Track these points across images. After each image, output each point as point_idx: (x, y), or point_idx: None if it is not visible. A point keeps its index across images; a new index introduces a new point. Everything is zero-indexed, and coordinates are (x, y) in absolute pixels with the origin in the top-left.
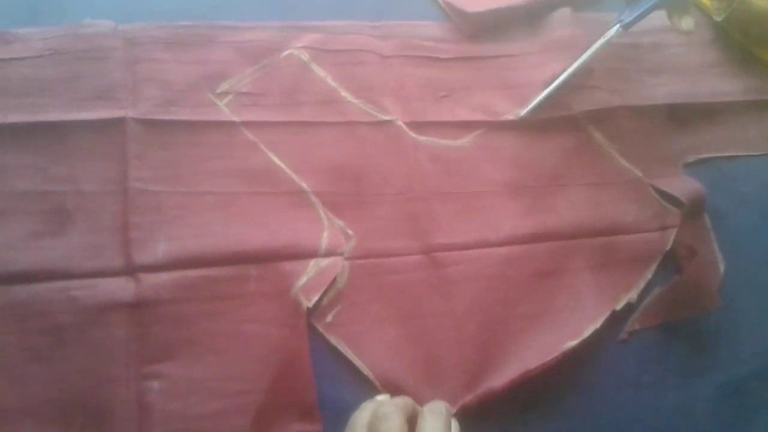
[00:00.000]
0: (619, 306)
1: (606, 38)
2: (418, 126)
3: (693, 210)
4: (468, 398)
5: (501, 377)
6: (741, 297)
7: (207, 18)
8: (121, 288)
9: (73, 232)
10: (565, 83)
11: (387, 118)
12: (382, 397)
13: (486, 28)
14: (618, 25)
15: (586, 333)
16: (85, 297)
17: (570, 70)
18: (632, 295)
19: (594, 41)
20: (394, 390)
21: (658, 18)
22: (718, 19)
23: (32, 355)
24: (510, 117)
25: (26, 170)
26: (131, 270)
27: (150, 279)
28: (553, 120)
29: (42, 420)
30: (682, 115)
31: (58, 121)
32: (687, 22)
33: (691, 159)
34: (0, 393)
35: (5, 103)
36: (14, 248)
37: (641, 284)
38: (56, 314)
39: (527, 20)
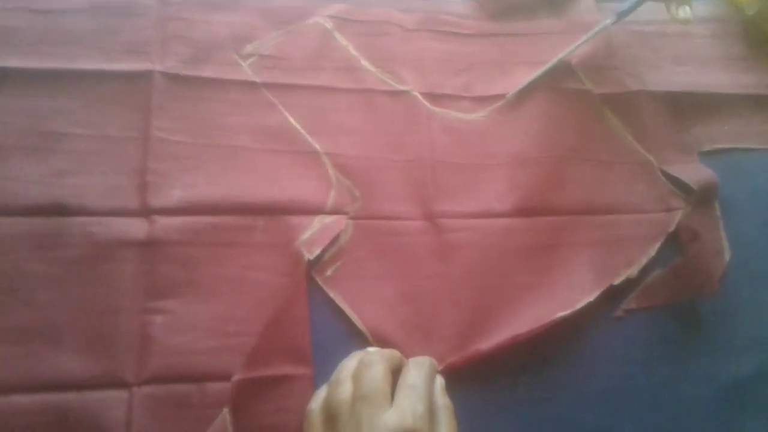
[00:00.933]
0: (617, 281)
1: (601, 25)
2: (434, 98)
3: (703, 197)
4: (455, 358)
5: (490, 341)
6: (743, 287)
7: None
8: (134, 227)
9: (95, 172)
10: (554, 68)
11: (404, 88)
12: (373, 349)
13: (510, 8)
14: (614, 14)
15: (579, 305)
16: (101, 233)
17: (561, 55)
18: (632, 271)
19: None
20: (385, 345)
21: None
22: (750, 12)
23: (48, 282)
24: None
25: (57, 113)
26: (146, 212)
27: (163, 221)
28: (569, 97)
29: (51, 341)
30: (702, 105)
31: (90, 70)
32: (684, 12)
33: (707, 148)
34: (16, 313)
35: (44, 51)
36: (39, 183)
37: (643, 261)
38: (73, 247)
39: (551, 4)
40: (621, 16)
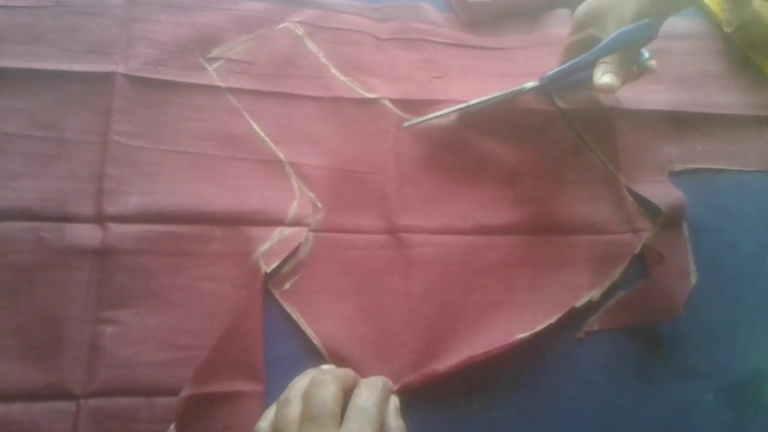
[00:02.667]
0: (579, 303)
1: (519, 87)
2: (406, 104)
3: (671, 219)
4: (411, 378)
5: (448, 361)
6: (708, 309)
7: None
8: (88, 234)
9: (50, 176)
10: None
11: (373, 96)
12: (326, 367)
13: (484, 18)
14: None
15: (539, 327)
16: (54, 239)
17: (473, 102)
18: (594, 293)
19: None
20: (341, 362)
21: (666, 24)
22: (728, 29)
23: None
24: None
25: (15, 114)
26: (101, 219)
27: (117, 229)
28: (538, 114)
29: (1, 348)
30: (676, 123)
31: (50, 70)
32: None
33: (678, 168)
34: None
35: (3, 49)
36: None
37: (606, 284)
38: (24, 253)
39: (525, 15)
40: (543, 80)
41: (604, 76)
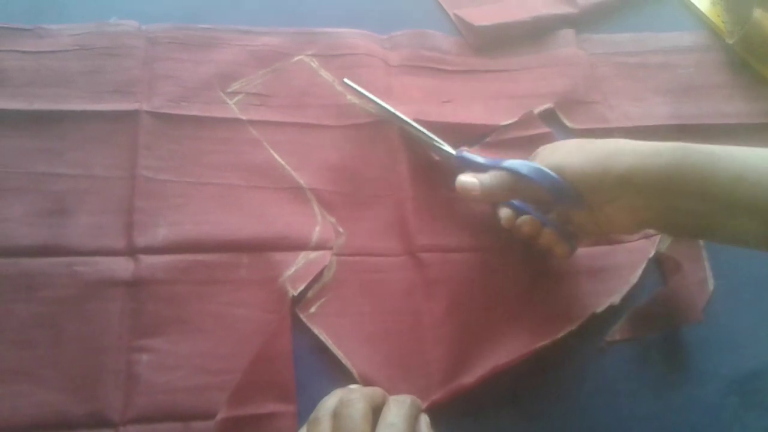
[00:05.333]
0: (599, 309)
1: (437, 142)
2: (420, 125)
3: None
4: (439, 394)
5: (473, 375)
6: (727, 315)
7: (223, 22)
8: (120, 267)
9: (81, 212)
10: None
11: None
12: (354, 386)
13: (492, 41)
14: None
15: (560, 334)
16: (87, 273)
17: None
18: (615, 298)
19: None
20: (370, 381)
21: (669, 39)
22: (730, 41)
23: (35, 322)
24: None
25: (46, 153)
26: (132, 251)
27: (148, 260)
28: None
29: (39, 382)
30: (684, 135)
31: (77, 111)
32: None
33: None
34: (5, 355)
35: (32, 92)
36: (26, 224)
37: (625, 289)
38: (59, 287)
39: (532, 37)
40: (459, 154)
41: (468, 176)
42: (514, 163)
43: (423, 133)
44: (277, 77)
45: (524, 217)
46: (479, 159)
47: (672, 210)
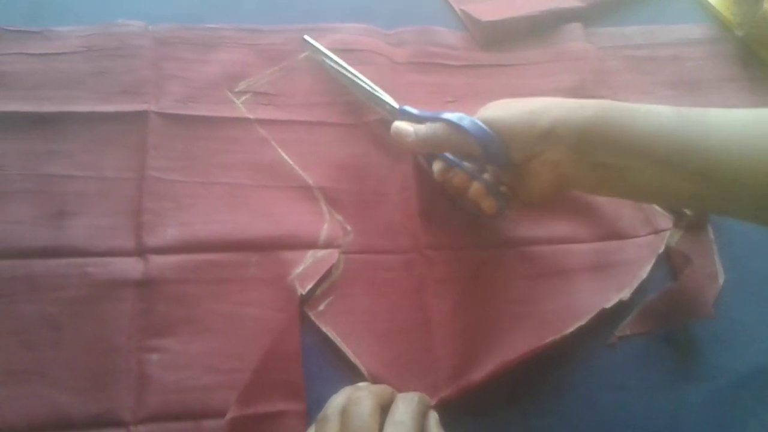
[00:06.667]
0: (609, 304)
1: (381, 96)
2: None
3: (696, 221)
4: (448, 391)
5: (482, 371)
6: (738, 309)
7: (228, 21)
8: (131, 267)
9: (91, 214)
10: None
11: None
12: (363, 384)
13: (499, 36)
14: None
15: (570, 329)
16: (98, 273)
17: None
18: (625, 293)
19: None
20: (378, 380)
21: (678, 32)
22: (740, 33)
23: (46, 323)
24: None
25: (56, 156)
26: (141, 251)
27: (158, 260)
28: None
29: (50, 382)
30: None
31: (86, 112)
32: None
33: None
34: (16, 356)
35: (41, 95)
36: (36, 226)
37: (635, 284)
38: (70, 288)
39: (539, 31)
40: (402, 111)
41: (404, 123)
42: (451, 115)
43: (369, 87)
44: (284, 76)
45: (455, 170)
46: (419, 112)
47: (593, 166)
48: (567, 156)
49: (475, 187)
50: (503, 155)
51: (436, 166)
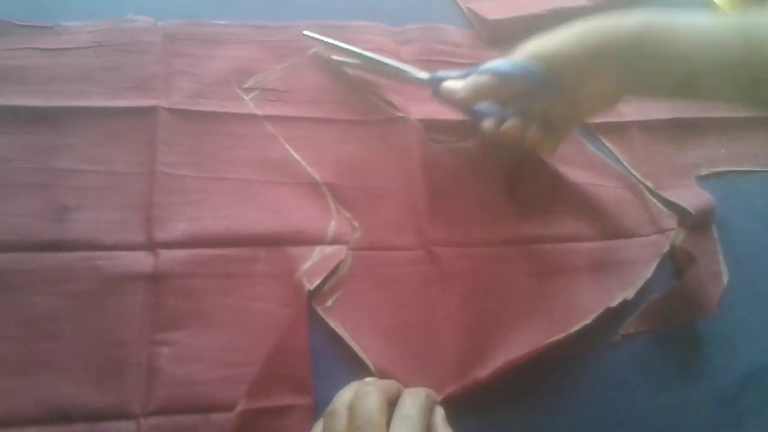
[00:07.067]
0: (614, 303)
1: (412, 71)
2: (430, 124)
3: (701, 220)
4: (454, 387)
5: (487, 368)
6: (742, 307)
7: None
8: (140, 261)
9: (101, 208)
10: None
11: (401, 115)
12: (370, 379)
13: (505, 35)
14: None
15: (575, 328)
16: (108, 267)
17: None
18: (629, 293)
19: None
20: (385, 375)
21: None
22: None
23: (57, 315)
24: None
25: (66, 150)
26: (151, 245)
27: (168, 254)
28: None
29: (61, 374)
30: (699, 129)
31: (96, 107)
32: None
33: (705, 172)
34: (26, 348)
35: (51, 89)
36: (48, 219)
37: (639, 283)
38: (81, 281)
39: (545, 30)
40: (434, 77)
41: (451, 81)
42: (492, 63)
43: (394, 65)
44: (292, 73)
45: (508, 122)
46: (454, 73)
47: (639, 74)
48: (616, 69)
49: (532, 130)
50: (555, 86)
51: (486, 123)
